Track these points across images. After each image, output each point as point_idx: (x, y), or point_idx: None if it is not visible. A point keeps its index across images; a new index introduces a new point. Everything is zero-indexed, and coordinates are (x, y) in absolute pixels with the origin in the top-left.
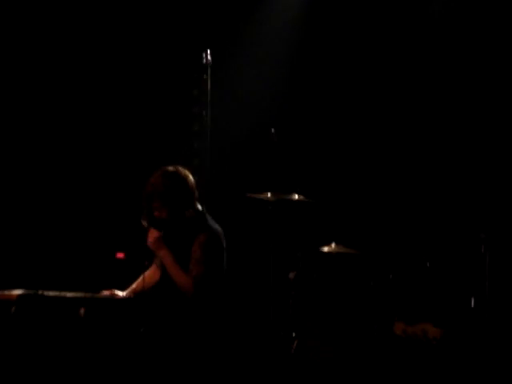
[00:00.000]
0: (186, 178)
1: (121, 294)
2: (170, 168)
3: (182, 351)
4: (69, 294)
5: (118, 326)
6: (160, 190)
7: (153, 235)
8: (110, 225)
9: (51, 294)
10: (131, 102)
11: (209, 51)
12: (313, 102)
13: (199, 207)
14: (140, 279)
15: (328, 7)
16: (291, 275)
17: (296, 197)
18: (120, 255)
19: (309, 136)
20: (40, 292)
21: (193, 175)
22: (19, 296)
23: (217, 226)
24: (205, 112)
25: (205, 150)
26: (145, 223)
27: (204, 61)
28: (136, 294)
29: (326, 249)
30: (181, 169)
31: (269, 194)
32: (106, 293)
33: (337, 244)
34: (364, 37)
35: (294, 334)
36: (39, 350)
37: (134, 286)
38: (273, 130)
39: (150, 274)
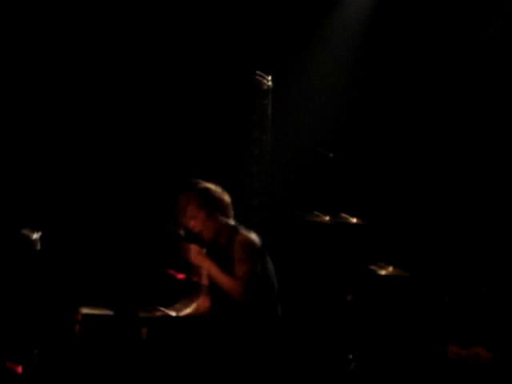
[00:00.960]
0: (218, 192)
1: (172, 312)
2: (204, 184)
3: (242, 367)
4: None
5: (180, 345)
6: (194, 195)
7: (194, 250)
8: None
9: (111, 312)
10: (192, 126)
11: (270, 77)
12: (371, 126)
13: (233, 222)
14: (193, 306)
15: (388, 35)
16: (349, 297)
17: (352, 219)
18: (180, 276)
19: (368, 159)
20: (103, 311)
21: (253, 198)
22: (84, 315)
23: (251, 231)
24: (265, 136)
25: (264, 173)
26: (182, 232)
27: (265, 86)
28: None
29: (382, 271)
30: (214, 186)
31: (327, 217)
32: (159, 313)
33: (394, 267)
34: (422, 65)
35: (350, 356)
36: (103, 369)
37: (188, 310)
38: (331, 154)
39: (201, 303)
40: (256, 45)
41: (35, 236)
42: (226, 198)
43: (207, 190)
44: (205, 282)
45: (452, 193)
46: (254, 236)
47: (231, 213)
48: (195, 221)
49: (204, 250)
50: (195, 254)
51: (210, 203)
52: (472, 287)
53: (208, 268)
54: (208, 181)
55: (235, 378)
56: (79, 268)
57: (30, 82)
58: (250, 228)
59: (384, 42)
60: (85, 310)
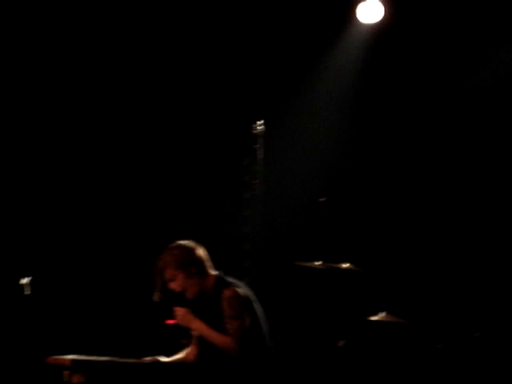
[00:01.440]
0: (192, 248)
1: (164, 360)
2: (176, 245)
3: None
4: (120, 360)
5: None
6: (168, 258)
7: (180, 312)
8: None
9: (103, 359)
10: (183, 169)
11: (261, 121)
12: (362, 173)
13: (215, 273)
14: (182, 353)
15: (380, 81)
16: (341, 343)
17: (344, 265)
18: (171, 322)
19: (358, 206)
20: (93, 358)
21: (244, 243)
22: (73, 361)
23: (236, 281)
24: (256, 181)
25: (255, 217)
26: (156, 297)
27: (255, 130)
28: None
29: (375, 318)
30: (186, 242)
31: (318, 263)
32: (148, 360)
33: (387, 313)
34: (415, 98)
35: None
36: None
37: (177, 357)
38: (323, 199)
39: (190, 351)
40: (248, 89)
41: (25, 281)
42: (201, 251)
43: (180, 249)
44: (195, 333)
45: (439, 239)
46: (239, 288)
47: (209, 264)
48: (175, 283)
49: (189, 310)
50: (182, 316)
51: (186, 262)
52: (464, 333)
53: (197, 328)
54: (198, 227)
55: None
56: (71, 313)
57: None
58: (240, 274)
59: (377, 86)
60: (74, 357)
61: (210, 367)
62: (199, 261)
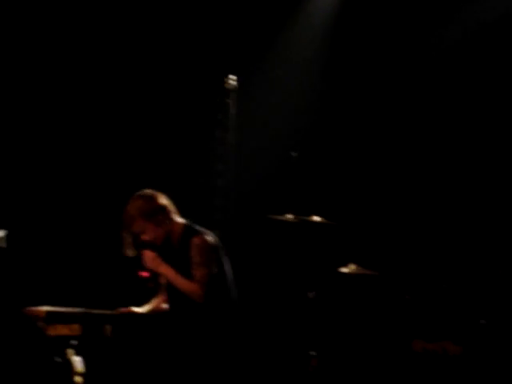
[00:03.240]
0: (154, 196)
1: (138, 310)
2: (135, 195)
3: (198, 360)
4: (94, 311)
5: (142, 341)
6: (133, 212)
7: (148, 256)
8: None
9: (77, 310)
10: (155, 124)
11: (233, 76)
12: (333, 125)
13: (182, 220)
14: (151, 304)
15: (353, 28)
16: (311, 295)
17: (315, 218)
18: (145, 273)
19: (329, 158)
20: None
21: (217, 196)
22: (47, 312)
23: (205, 230)
24: (229, 135)
25: (228, 171)
26: (129, 252)
27: (228, 85)
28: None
29: (344, 269)
30: (146, 191)
31: (289, 216)
32: (123, 310)
33: (355, 265)
34: (386, 56)
35: (312, 353)
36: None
37: (146, 308)
38: (294, 152)
39: (159, 301)
40: (222, 45)
41: (1, 234)
42: (163, 198)
43: (142, 200)
44: (162, 280)
45: (411, 188)
46: (209, 237)
47: (174, 210)
48: (146, 234)
49: (157, 254)
50: (150, 260)
51: (151, 211)
52: (432, 283)
53: (164, 272)
54: (171, 181)
55: (191, 376)
56: (46, 266)
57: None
58: (211, 227)
59: (349, 41)
60: (48, 308)
61: (179, 315)
62: (163, 207)
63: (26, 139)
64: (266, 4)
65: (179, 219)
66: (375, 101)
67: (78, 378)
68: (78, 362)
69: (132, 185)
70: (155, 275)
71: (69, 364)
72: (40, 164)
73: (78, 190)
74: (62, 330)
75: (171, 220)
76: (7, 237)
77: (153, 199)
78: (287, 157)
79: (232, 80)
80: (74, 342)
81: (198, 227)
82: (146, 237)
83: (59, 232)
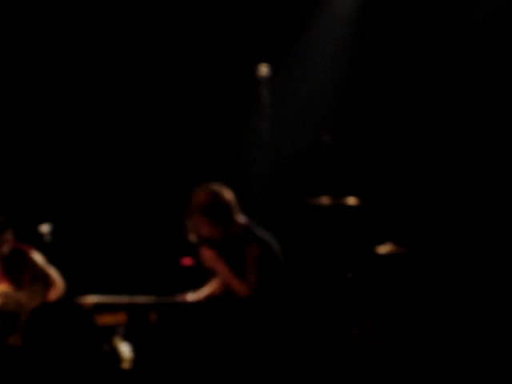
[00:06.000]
0: (218, 193)
1: (192, 297)
2: (204, 191)
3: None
4: (139, 300)
5: (189, 330)
6: (194, 205)
7: (207, 254)
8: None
9: (123, 300)
10: (191, 114)
11: (266, 64)
12: (368, 109)
13: (242, 220)
14: (208, 289)
15: (382, 17)
16: (349, 275)
17: (351, 200)
18: (187, 261)
19: (361, 142)
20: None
21: (254, 183)
22: (96, 304)
23: (264, 234)
24: (264, 124)
25: (263, 158)
26: (192, 238)
27: (261, 74)
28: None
29: (381, 249)
30: (215, 189)
31: (325, 199)
32: (178, 297)
33: (392, 244)
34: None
35: (353, 332)
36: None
37: (204, 293)
38: (327, 136)
39: (216, 286)
40: (253, 34)
41: (46, 229)
42: (228, 197)
43: (206, 195)
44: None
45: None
46: (267, 243)
47: (236, 209)
48: (203, 229)
49: (216, 252)
50: (208, 258)
51: (214, 211)
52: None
53: (221, 271)
54: (210, 172)
55: (241, 366)
56: (93, 258)
57: (29, 82)
58: (251, 213)
59: (380, 27)
60: (96, 299)
61: (231, 303)
62: (225, 207)
63: (73, 133)
64: None
65: (240, 219)
66: (405, 85)
67: (125, 364)
68: (125, 349)
69: (171, 175)
70: (198, 263)
71: (116, 352)
72: (85, 157)
73: (120, 178)
74: (109, 319)
75: (231, 222)
76: (52, 231)
77: (217, 196)
78: (320, 142)
79: (264, 68)
80: (121, 330)
81: (257, 230)
82: (201, 232)
83: (103, 220)
